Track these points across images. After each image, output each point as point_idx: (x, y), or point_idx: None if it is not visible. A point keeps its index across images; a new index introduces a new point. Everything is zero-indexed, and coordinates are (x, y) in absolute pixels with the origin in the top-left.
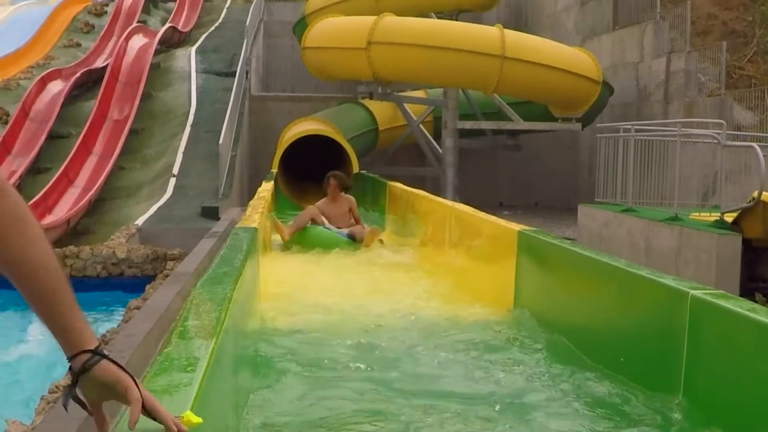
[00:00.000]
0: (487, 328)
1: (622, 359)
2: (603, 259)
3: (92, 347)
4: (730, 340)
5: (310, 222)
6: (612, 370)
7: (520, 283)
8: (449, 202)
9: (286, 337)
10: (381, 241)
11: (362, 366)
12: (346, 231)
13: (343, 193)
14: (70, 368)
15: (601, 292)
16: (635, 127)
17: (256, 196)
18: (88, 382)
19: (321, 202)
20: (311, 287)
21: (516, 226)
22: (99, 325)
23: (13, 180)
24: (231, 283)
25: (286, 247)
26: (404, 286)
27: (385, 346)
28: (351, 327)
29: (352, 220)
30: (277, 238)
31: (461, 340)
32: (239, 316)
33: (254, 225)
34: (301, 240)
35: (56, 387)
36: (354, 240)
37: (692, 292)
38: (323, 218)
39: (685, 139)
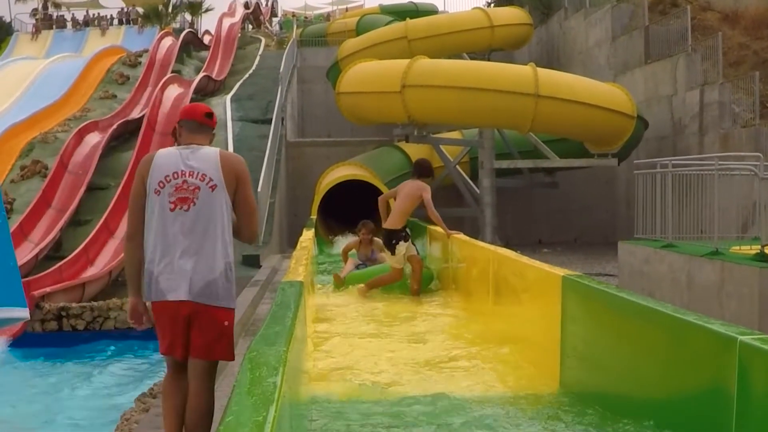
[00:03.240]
0: (533, 393)
1: (670, 410)
2: (649, 304)
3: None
4: None
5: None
6: (660, 419)
7: (566, 333)
8: (491, 247)
9: (331, 404)
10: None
11: None
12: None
13: (372, 238)
14: None
15: (647, 338)
16: (672, 162)
17: (298, 246)
18: None
19: (354, 242)
20: (354, 344)
21: (560, 271)
22: (145, 377)
23: (54, 232)
24: (284, 344)
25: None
26: (447, 342)
27: (429, 418)
28: (390, 398)
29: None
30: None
31: (510, 413)
32: (293, 379)
33: (300, 279)
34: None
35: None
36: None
37: (740, 338)
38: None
39: (723, 173)
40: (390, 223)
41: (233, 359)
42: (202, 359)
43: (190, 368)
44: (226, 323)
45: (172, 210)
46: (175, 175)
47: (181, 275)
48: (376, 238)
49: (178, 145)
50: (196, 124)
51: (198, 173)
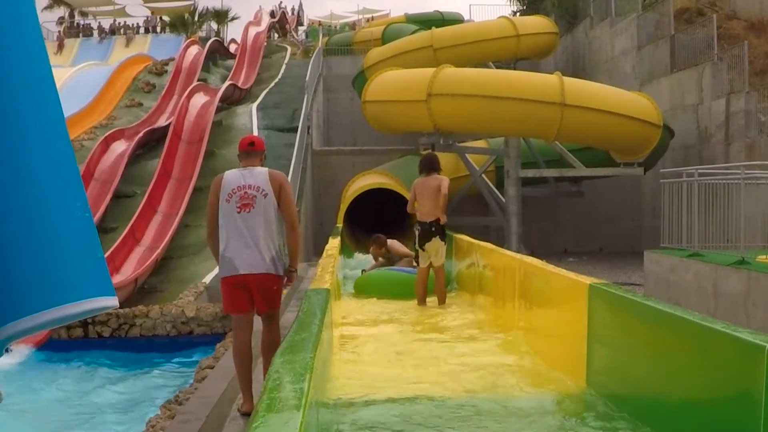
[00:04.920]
0: (560, 401)
1: (697, 419)
2: (676, 312)
3: (295, 268)
4: None
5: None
6: (687, 427)
7: (593, 341)
8: (517, 255)
9: (359, 410)
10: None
11: None
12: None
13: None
14: (289, 268)
15: (675, 347)
16: (698, 171)
17: (324, 254)
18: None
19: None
20: (381, 352)
21: (587, 280)
22: (170, 384)
23: None
24: (311, 350)
25: (357, 294)
26: (473, 349)
27: (458, 423)
28: (420, 404)
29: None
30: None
31: (537, 410)
32: (320, 386)
33: (326, 286)
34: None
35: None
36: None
37: None
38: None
39: (749, 182)
40: (432, 216)
41: (278, 308)
42: (266, 311)
43: (262, 319)
44: (275, 287)
45: (238, 212)
46: (239, 188)
47: (246, 257)
48: (388, 244)
49: (242, 167)
50: (244, 153)
51: (254, 186)
